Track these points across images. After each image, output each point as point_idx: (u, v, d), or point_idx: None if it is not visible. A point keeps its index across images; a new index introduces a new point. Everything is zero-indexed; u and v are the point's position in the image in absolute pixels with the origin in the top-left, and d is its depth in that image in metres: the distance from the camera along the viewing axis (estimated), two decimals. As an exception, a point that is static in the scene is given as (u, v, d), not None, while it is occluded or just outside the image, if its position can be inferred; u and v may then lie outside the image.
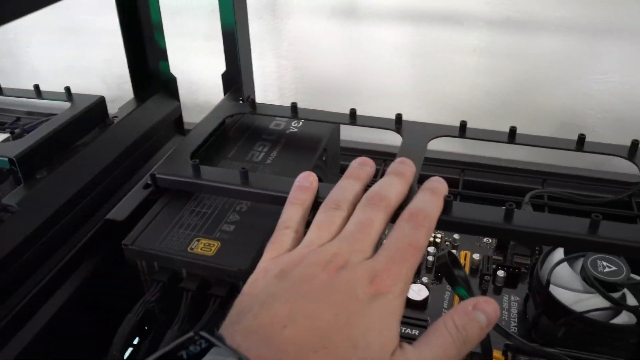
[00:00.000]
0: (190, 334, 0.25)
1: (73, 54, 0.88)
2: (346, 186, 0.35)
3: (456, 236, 0.60)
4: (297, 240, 0.33)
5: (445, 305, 0.52)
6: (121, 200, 0.46)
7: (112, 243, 0.41)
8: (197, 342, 0.24)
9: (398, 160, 0.38)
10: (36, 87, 0.58)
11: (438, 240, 0.59)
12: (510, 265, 0.54)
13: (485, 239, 0.59)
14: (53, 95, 0.57)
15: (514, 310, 0.51)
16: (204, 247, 0.38)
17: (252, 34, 0.58)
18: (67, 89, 0.55)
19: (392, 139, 0.46)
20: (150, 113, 0.57)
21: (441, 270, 0.40)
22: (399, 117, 0.46)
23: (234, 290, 0.37)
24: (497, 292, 0.54)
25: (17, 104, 0.77)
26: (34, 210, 0.44)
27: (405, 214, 0.32)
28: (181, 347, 0.24)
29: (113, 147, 0.52)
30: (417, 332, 0.48)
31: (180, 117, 0.61)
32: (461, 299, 0.39)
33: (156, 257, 0.39)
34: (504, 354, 0.44)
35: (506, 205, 0.36)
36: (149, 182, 0.44)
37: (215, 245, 0.38)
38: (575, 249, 0.42)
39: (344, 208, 0.33)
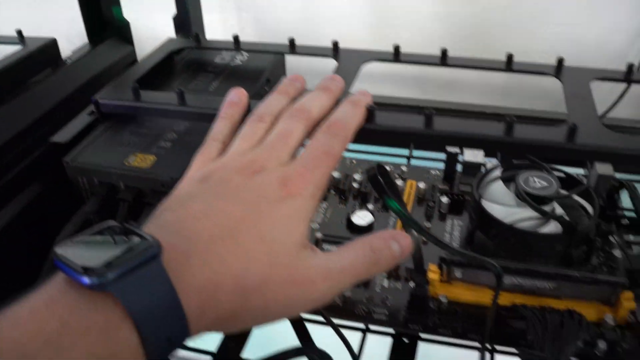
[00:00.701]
0: (111, 222, 0.27)
1: (37, 15, 0.89)
2: (272, 100, 0.37)
3: (404, 168, 0.61)
4: (223, 152, 0.35)
5: (389, 229, 0.54)
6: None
7: (57, 165, 0.43)
8: (114, 228, 0.26)
9: (328, 76, 0.39)
10: (-11, 31, 0.59)
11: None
12: (456, 193, 0.56)
13: (433, 171, 0.61)
14: (6, 39, 0.58)
15: (456, 234, 0.53)
16: (140, 160, 0.40)
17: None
18: (19, 32, 0.56)
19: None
20: (103, 56, 0.58)
21: (371, 182, 0.41)
22: (335, 44, 0.47)
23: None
24: (442, 218, 0.55)
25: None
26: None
27: (323, 124, 0.35)
28: (99, 233, 0.26)
29: (64, 86, 0.54)
30: (359, 252, 0.50)
31: (134, 62, 0.62)
32: (393, 211, 0.41)
33: (95, 172, 0.40)
34: (439, 267, 0.46)
35: (424, 110, 0.37)
36: (94, 108, 0.45)
37: (151, 159, 0.40)
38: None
39: (267, 120, 0.35)
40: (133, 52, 0.62)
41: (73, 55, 0.57)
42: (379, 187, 0.41)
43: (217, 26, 0.81)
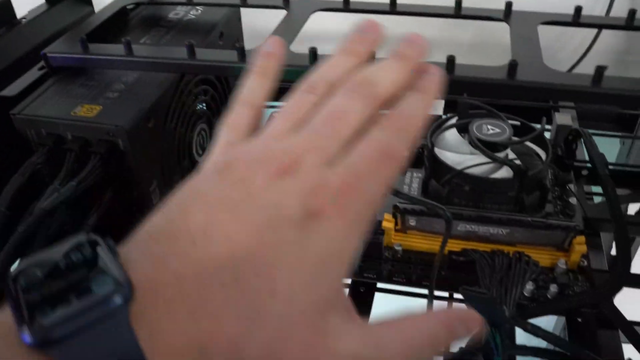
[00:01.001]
0: (82, 236, 0.19)
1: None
2: (333, 63, 0.27)
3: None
4: (257, 119, 0.27)
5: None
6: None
7: (5, 119, 0.43)
8: (82, 247, 0.19)
9: (406, 37, 0.27)
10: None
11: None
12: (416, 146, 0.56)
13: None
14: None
15: (415, 185, 0.53)
16: (87, 110, 0.40)
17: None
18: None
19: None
20: (60, 16, 0.58)
21: None
22: (286, -5, 0.47)
23: (114, 147, 0.38)
24: (401, 171, 0.55)
25: None
26: None
27: (389, 114, 0.24)
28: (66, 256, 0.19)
29: (20, 45, 0.53)
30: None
31: (94, 22, 0.62)
32: None
33: (42, 123, 0.40)
34: (394, 215, 0.46)
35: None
36: (43, 63, 0.45)
37: (97, 109, 0.40)
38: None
39: (320, 92, 0.25)
40: (92, 12, 0.61)
41: (29, 15, 0.56)
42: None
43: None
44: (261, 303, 0.19)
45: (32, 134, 0.41)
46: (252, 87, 0.27)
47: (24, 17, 0.56)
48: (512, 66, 0.35)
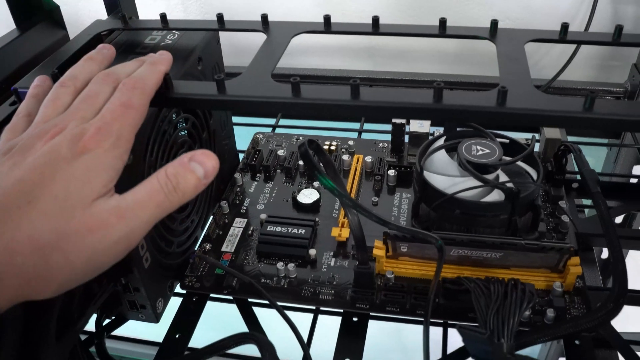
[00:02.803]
0: None
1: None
2: (77, 66, 0.37)
3: (351, 142, 0.60)
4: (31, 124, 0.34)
5: (336, 207, 0.53)
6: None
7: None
8: None
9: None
10: None
11: (333, 147, 0.59)
12: (404, 165, 0.55)
13: (381, 144, 0.60)
14: None
15: (404, 207, 0.52)
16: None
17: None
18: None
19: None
20: (33, 42, 0.56)
21: (302, 158, 0.40)
22: (264, 17, 0.45)
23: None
24: (391, 192, 0.54)
25: None
26: None
27: (121, 83, 0.34)
28: None
29: (-9, 75, 0.51)
30: (302, 232, 0.49)
31: (68, 47, 0.60)
32: (326, 188, 0.39)
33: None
34: (384, 242, 0.44)
35: (351, 81, 0.36)
36: (15, 98, 0.43)
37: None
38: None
39: (70, 85, 0.35)
40: (66, 37, 0.59)
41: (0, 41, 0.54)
42: (310, 163, 0.39)
43: (160, 6, 0.78)
44: (48, 207, 0.28)
45: None
46: (25, 104, 0.36)
47: (-6, 46, 0.54)
48: (502, 93, 0.34)
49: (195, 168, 0.32)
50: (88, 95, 0.34)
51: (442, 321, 0.44)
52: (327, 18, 0.45)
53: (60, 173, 0.29)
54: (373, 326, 0.45)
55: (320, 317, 0.47)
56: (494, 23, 0.43)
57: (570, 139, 0.61)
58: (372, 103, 0.35)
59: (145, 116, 0.34)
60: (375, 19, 0.44)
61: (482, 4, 0.70)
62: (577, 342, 0.42)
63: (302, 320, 0.45)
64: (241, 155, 0.61)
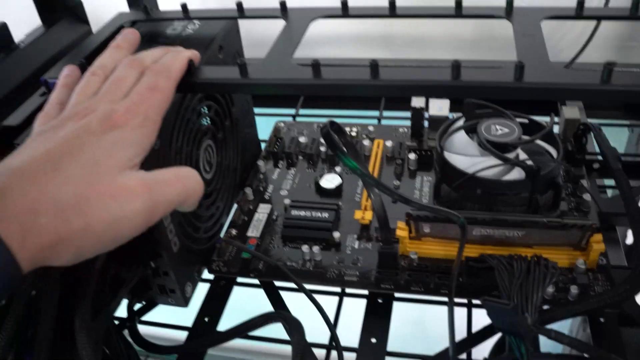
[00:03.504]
0: None
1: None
2: (105, 55, 0.39)
3: (371, 128, 0.61)
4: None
5: (358, 191, 0.53)
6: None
7: (10, 149, 0.42)
8: None
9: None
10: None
11: (354, 133, 0.60)
12: (424, 149, 0.55)
13: (401, 129, 0.60)
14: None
15: (426, 190, 0.53)
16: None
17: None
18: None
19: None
20: (57, 37, 0.57)
21: (325, 139, 0.40)
22: (282, 3, 0.46)
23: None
24: (412, 175, 0.55)
25: None
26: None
27: (148, 68, 0.37)
28: None
29: (19, 70, 0.52)
30: (326, 215, 0.50)
31: (92, 42, 0.61)
32: (349, 168, 0.40)
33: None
34: (407, 223, 0.45)
35: (370, 61, 0.37)
36: (44, 89, 0.44)
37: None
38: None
39: (100, 73, 0.36)
40: (89, 32, 0.60)
41: (26, 38, 0.55)
42: (333, 143, 0.40)
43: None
44: (73, 173, 0.29)
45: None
46: (57, 94, 0.37)
47: (21, 41, 0.55)
48: (519, 68, 0.34)
49: None
50: (116, 80, 0.35)
51: (466, 301, 0.45)
52: (344, 2, 0.45)
53: (88, 145, 0.30)
54: (396, 316, 0.46)
55: (345, 301, 0.47)
56: (509, 2, 0.43)
57: (590, 120, 0.61)
58: (391, 82, 0.36)
59: (171, 99, 0.36)
60: (392, 2, 0.44)
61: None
62: (601, 319, 0.42)
63: (328, 303, 0.46)
64: (263, 145, 0.62)
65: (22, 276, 0.27)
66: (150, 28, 0.51)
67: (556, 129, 0.56)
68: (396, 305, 0.46)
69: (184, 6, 0.49)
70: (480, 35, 0.73)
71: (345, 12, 0.45)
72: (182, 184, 0.33)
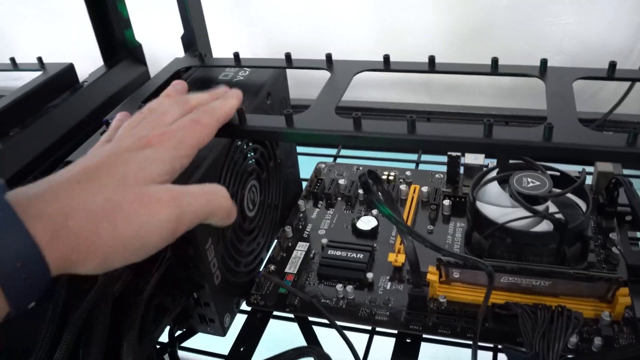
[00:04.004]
0: None
1: (59, 39, 0.93)
2: (155, 100, 0.41)
3: (408, 173, 0.63)
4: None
5: (393, 234, 0.56)
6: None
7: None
8: None
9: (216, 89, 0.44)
10: (12, 59, 0.63)
11: (392, 177, 0.62)
12: (458, 195, 0.58)
13: (437, 175, 0.62)
14: (28, 66, 0.61)
15: (458, 235, 0.55)
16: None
17: (222, 4, 0.61)
18: (39, 59, 0.60)
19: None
20: (118, 77, 0.62)
21: (362, 187, 0.43)
22: (328, 57, 0.49)
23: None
24: (446, 221, 0.57)
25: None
26: (6, 163, 0.49)
27: (198, 106, 0.40)
28: None
29: (82, 108, 0.57)
30: (361, 256, 0.52)
31: (149, 82, 0.65)
32: (384, 215, 0.42)
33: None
34: (438, 268, 0.47)
35: (408, 117, 0.39)
36: (105, 127, 0.48)
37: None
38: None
39: (146, 113, 0.39)
40: (147, 72, 0.65)
41: (89, 78, 0.60)
42: (369, 192, 0.42)
43: (230, 42, 0.84)
44: (105, 182, 0.30)
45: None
46: (110, 131, 0.40)
47: (85, 81, 0.60)
48: (548, 129, 0.36)
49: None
50: (160, 113, 0.38)
51: (492, 345, 0.46)
52: (386, 57, 0.48)
53: (122, 159, 0.32)
54: (424, 355, 0.47)
55: (375, 339, 0.49)
56: (544, 62, 0.45)
57: (628, 172, 0.62)
58: (427, 137, 0.39)
59: (210, 137, 0.38)
60: (431, 58, 0.47)
61: (537, 39, 0.72)
62: (626, 372, 0.43)
63: (358, 341, 0.48)
64: (304, 184, 0.65)
65: (51, 278, 0.27)
66: (203, 73, 0.55)
67: (589, 181, 0.58)
68: (425, 346, 0.48)
69: (235, 55, 0.52)
70: (517, 85, 0.75)
71: (387, 66, 0.48)
72: (207, 198, 0.34)
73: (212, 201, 0.35)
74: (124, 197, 0.30)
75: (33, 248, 0.26)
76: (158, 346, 0.48)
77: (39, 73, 0.59)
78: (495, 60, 0.46)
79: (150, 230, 0.30)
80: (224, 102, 0.41)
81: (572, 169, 0.53)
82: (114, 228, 0.29)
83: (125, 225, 0.29)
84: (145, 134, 0.34)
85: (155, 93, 0.51)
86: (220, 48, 0.64)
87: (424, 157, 0.69)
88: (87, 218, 0.28)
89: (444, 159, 0.60)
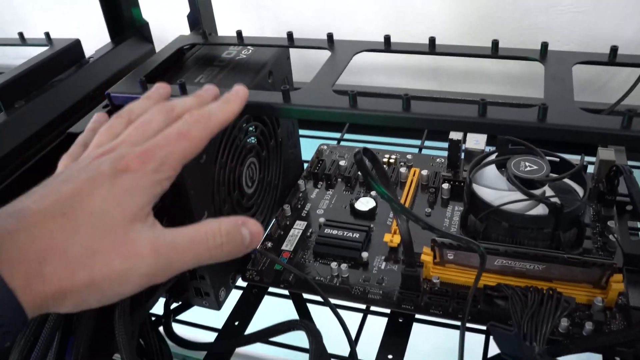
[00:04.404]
0: None
1: (69, 16, 0.94)
2: (135, 102, 0.38)
3: (409, 156, 0.63)
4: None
5: (391, 215, 0.56)
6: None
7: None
8: None
9: (203, 87, 0.40)
10: (20, 34, 0.64)
11: (392, 160, 0.62)
12: (458, 180, 0.58)
13: (438, 159, 0.62)
14: (35, 41, 0.62)
15: (456, 219, 0.55)
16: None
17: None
18: (47, 34, 0.60)
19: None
20: (124, 54, 0.62)
21: (357, 164, 0.43)
22: (329, 35, 0.49)
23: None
24: (444, 204, 0.57)
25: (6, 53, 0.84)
26: (11, 134, 0.50)
27: (187, 113, 0.35)
28: None
29: (87, 83, 0.58)
30: (357, 236, 0.52)
31: (155, 59, 0.66)
32: (377, 193, 0.43)
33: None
34: (432, 249, 0.47)
35: (403, 94, 0.39)
36: (107, 101, 0.49)
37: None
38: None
39: (125, 116, 0.36)
40: (153, 50, 0.65)
41: (96, 54, 0.61)
42: (364, 169, 0.43)
43: (239, 24, 0.84)
44: (82, 221, 0.28)
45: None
46: (84, 135, 0.38)
47: (91, 56, 0.60)
48: (543, 109, 0.36)
49: (244, 233, 0.32)
50: (141, 123, 0.34)
51: (484, 328, 0.46)
52: (387, 38, 0.48)
53: (99, 190, 0.29)
54: (415, 338, 0.48)
55: (368, 318, 0.50)
56: (544, 45, 0.45)
57: (633, 163, 0.61)
58: (421, 115, 0.39)
59: (200, 150, 0.34)
60: (432, 39, 0.47)
61: (546, 27, 0.72)
62: (617, 358, 0.43)
63: (351, 319, 0.48)
64: (306, 165, 0.65)
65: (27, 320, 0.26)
66: (207, 51, 0.55)
67: (591, 169, 0.57)
68: (417, 327, 0.48)
69: (238, 33, 0.53)
70: (527, 73, 0.75)
71: (387, 47, 0.48)
72: (194, 251, 0.31)
73: (199, 255, 0.31)
74: (101, 244, 0.28)
75: (9, 296, 0.25)
76: (153, 318, 0.49)
77: (46, 48, 0.60)
78: (495, 43, 0.46)
79: (128, 279, 0.29)
80: (222, 107, 0.37)
81: (574, 158, 0.52)
82: (91, 277, 0.27)
83: (102, 274, 0.28)
84: (124, 154, 0.31)
85: (158, 68, 0.51)
86: (230, 29, 0.65)
87: (427, 143, 0.69)
88: (63, 264, 0.27)
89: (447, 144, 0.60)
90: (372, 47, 0.48)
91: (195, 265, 0.31)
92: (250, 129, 0.51)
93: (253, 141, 0.52)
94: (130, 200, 0.29)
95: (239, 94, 0.39)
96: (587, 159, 0.55)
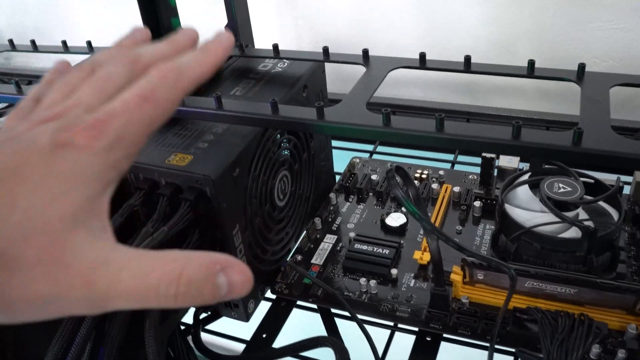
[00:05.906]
0: None
1: (113, 24, 0.96)
2: (103, 51, 0.30)
3: (441, 172, 0.63)
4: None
5: (421, 232, 0.56)
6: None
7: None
8: None
9: (180, 31, 0.33)
10: (64, 42, 0.65)
11: (424, 176, 0.62)
12: (490, 197, 0.57)
13: (471, 176, 0.62)
14: (78, 49, 0.64)
15: (487, 237, 0.54)
16: (179, 159, 0.44)
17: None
18: (89, 42, 0.62)
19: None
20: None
21: (388, 182, 0.43)
22: (365, 52, 0.50)
23: (202, 194, 0.42)
24: (475, 222, 0.56)
25: (51, 59, 0.85)
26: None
27: (153, 67, 0.27)
28: None
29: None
30: (387, 252, 0.52)
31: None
32: (408, 211, 0.43)
33: (140, 169, 0.44)
34: (462, 268, 0.47)
35: (437, 115, 0.39)
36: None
37: (188, 158, 0.44)
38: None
39: (86, 69, 0.28)
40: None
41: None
42: (395, 187, 0.43)
43: (277, 36, 0.85)
44: (3, 211, 0.21)
45: (131, 178, 0.45)
46: (38, 88, 0.30)
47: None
48: (578, 133, 0.36)
49: (220, 282, 0.23)
50: (98, 78, 0.27)
51: (513, 350, 0.46)
52: (422, 55, 0.48)
53: (29, 173, 0.22)
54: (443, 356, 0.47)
55: (395, 335, 0.50)
56: (581, 66, 0.45)
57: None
58: (454, 136, 0.39)
59: (170, 115, 0.27)
60: (467, 58, 0.47)
61: (585, 44, 0.71)
62: (648, 386, 0.42)
63: (378, 336, 0.48)
64: (338, 178, 0.65)
65: None
66: (243, 63, 0.56)
67: (627, 190, 0.57)
68: (445, 345, 0.48)
69: (275, 46, 0.53)
70: (563, 89, 0.74)
71: (422, 64, 0.48)
72: (140, 294, 0.22)
73: (147, 301, 0.22)
74: (22, 253, 0.21)
75: None
76: (183, 327, 0.49)
77: (87, 56, 0.61)
78: (531, 63, 0.46)
79: (50, 309, 0.22)
80: (199, 59, 0.29)
81: (610, 178, 0.52)
82: (9, 289, 0.21)
83: (17, 295, 0.21)
84: (69, 124, 0.24)
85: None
86: (267, 39, 0.66)
87: (460, 158, 0.69)
88: None
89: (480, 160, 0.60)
90: (407, 64, 0.48)
91: (140, 308, 0.23)
92: (284, 142, 0.52)
93: (286, 154, 0.53)
94: (70, 193, 0.22)
95: (221, 43, 0.31)
96: (623, 178, 0.55)
